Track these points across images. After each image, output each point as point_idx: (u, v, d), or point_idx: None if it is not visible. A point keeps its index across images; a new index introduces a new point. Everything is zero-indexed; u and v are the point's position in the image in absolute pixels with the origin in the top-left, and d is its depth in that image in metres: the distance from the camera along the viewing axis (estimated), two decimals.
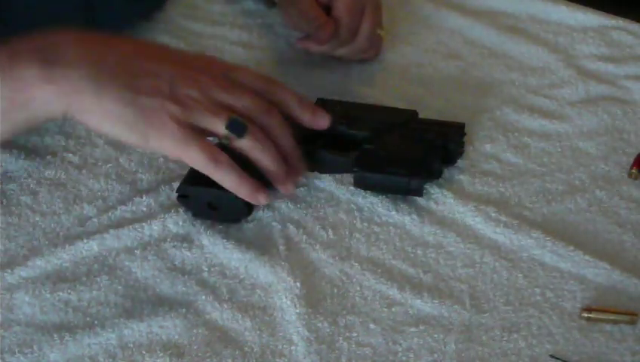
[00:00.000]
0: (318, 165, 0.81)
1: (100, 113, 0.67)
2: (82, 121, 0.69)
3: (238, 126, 0.71)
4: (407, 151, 0.81)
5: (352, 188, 0.81)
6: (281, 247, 0.76)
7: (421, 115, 0.86)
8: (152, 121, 0.68)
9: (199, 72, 0.72)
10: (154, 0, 0.99)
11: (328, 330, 0.70)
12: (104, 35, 0.71)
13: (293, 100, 0.77)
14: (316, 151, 0.81)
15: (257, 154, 0.73)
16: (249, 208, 0.77)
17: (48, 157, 0.83)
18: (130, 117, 0.68)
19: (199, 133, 0.70)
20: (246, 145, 0.72)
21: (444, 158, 0.82)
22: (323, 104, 0.83)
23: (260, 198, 0.74)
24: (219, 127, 0.71)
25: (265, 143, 0.73)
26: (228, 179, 0.72)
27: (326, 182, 0.82)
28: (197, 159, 0.70)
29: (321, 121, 0.78)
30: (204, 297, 0.72)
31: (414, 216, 0.79)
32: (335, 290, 0.73)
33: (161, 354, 0.67)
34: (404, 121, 0.84)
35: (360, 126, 0.82)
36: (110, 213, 0.78)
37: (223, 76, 0.74)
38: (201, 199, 0.76)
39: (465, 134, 0.85)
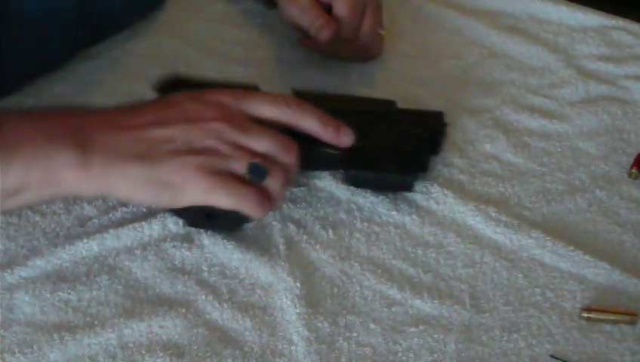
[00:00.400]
0: (304, 161, 0.77)
1: (128, 189, 0.71)
2: (114, 195, 0.75)
3: (258, 171, 0.72)
4: (395, 146, 0.80)
5: (352, 187, 0.81)
6: (281, 247, 0.76)
7: None
8: (175, 180, 0.70)
9: (211, 118, 0.73)
10: (153, 0, 0.99)
11: (328, 330, 0.70)
12: (121, 110, 0.74)
13: (314, 122, 0.76)
14: (302, 146, 0.77)
15: (275, 189, 0.74)
16: (247, 218, 0.76)
17: None
18: (155, 186, 0.71)
19: (225, 176, 0.71)
20: (266, 184, 0.73)
21: (430, 150, 0.82)
22: (299, 95, 0.80)
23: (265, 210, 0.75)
24: (240, 170, 0.72)
25: (284, 181, 0.74)
26: (251, 210, 0.73)
27: (326, 182, 0.82)
28: (226, 202, 0.72)
29: (346, 139, 0.78)
30: (204, 297, 0.72)
31: (414, 216, 0.79)
32: (335, 290, 0.73)
33: (161, 354, 0.67)
34: (384, 112, 0.83)
35: (341, 119, 0.79)
36: (110, 214, 0.78)
37: (236, 112, 0.74)
38: (198, 209, 0.74)
39: (446, 124, 0.84)
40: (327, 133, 0.77)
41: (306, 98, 0.79)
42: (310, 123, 0.76)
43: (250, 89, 0.79)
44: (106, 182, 0.70)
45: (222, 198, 0.72)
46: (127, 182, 0.71)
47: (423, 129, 0.81)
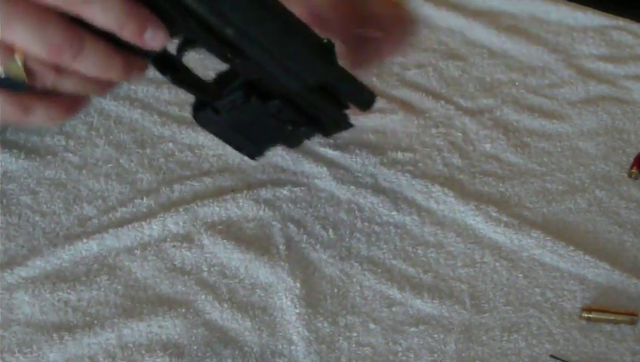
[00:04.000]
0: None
1: None
2: None
3: (9, 82, 0.54)
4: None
5: (352, 187, 0.81)
6: (281, 247, 0.76)
7: (421, 111, 0.85)
8: None
9: None
10: None
11: (328, 330, 0.70)
12: None
13: (107, 13, 0.53)
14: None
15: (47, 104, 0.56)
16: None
17: (48, 157, 0.83)
18: None
19: None
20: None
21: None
22: None
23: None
24: None
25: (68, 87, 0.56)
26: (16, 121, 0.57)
27: (326, 182, 0.82)
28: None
29: (153, 42, 0.55)
30: (204, 297, 0.72)
31: (414, 216, 0.79)
32: (335, 290, 0.73)
33: (161, 354, 0.67)
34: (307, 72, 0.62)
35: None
36: (110, 214, 0.78)
37: None
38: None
39: (351, 125, 0.70)
40: (127, 31, 0.54)
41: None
42: (100, 16, 0.52)
43: None
44: None
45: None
46: None
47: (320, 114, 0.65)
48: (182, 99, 0.90)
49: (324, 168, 0.83)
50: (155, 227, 0.76)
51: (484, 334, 0.71)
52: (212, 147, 0.84)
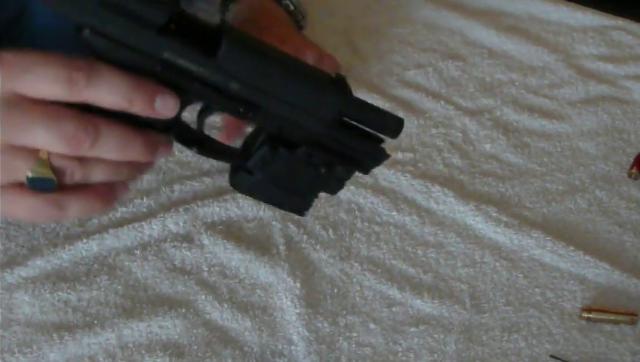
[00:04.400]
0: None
1: None
2: None
3: (41, 183, 0.55)
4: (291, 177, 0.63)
5: (352, 187, 0.81)
6: (281, 247, 0.76)
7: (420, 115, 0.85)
8: None
9: None
10: None
11: (328, 330, 0.70)
12: None
13: (114, 94, 0.53)
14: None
15: (76, 196, 0.57)
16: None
17: None
18: None
19: (8, 190, 0.56)
20: (63, 192, 0.56)
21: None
22: (230, 34, 0.55)
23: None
24: (23, 179, 0.55)
25: (98, 178, 0.57)
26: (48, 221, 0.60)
27: None
28: (22, 218, 0.59)
29: (165, 110, 0.55)
30: (204, 297, 0.72)
31: (414, 216, 0.79)
32: (335, 290, 0.73)
33: (161, 354, 0.67)
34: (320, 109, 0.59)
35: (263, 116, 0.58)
36: (110, 214, 0.78)
37: (10, 98, 0.54)
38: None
39: (387, 156, 0.65)
40: (137, 105, 0.54)
41: (235, 41, 0.55)
42: (108, 97, 0.53)
43: None
44: None
45: (15, 214, 0.57)
46: None
47: (351, 154, 0.63)
48: None
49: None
50: (155, 227, 0.76)
51: (484, 334, 0.71)
52: None
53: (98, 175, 0.56)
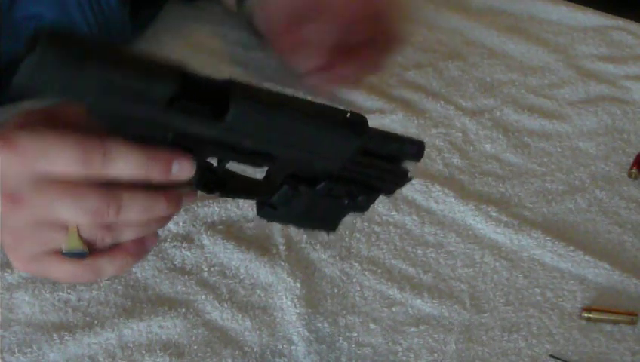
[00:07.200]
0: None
1: None
2: None
3: (74, 255, 0.58)
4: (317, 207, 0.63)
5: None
6: (281, 247, 0.76)
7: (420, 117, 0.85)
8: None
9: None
10: (149, 17, 0.99)
11: (328, 330, 0.70)
12: None
13: (131, 167, 0.55)
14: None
15: (106, 259, 0.60)
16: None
17: None
18: None
19: (43, 259, 0.59)
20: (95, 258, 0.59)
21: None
22: (234, 88, 0.55)
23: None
24: (58, 249, 0.58)
25: (124, 241, 0.59)
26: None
27: None
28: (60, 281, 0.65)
29: (182, 174, 0.56)
30: (204, 297, 0.72)
31: (414, 216, 0.79)
32: (335, 290, 0.73)
33: (161, 354, 0.67)
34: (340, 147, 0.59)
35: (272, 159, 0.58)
36: None
37: (29, 174, 0.55)
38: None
39: (410, 179, 0.65)
40: (154, 175, 0.55)
41: (242, 101, 0.54)
42: (125, 172, 0.55)
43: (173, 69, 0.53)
44: None
45: (55, 279, 0.61)
46: None
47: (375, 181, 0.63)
48: None
49: None
50: None
51: (484, 334, 0.71)
52: None
53: (128, 235, 0.58)
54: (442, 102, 0.92)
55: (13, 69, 0.49)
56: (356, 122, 0.59)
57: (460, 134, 0.88)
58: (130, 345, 0.68)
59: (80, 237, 0.56)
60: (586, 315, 0.72)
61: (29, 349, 0.67)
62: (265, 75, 0.93)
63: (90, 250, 0.57)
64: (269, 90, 0.57)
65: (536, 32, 1.03)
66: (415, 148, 0.62)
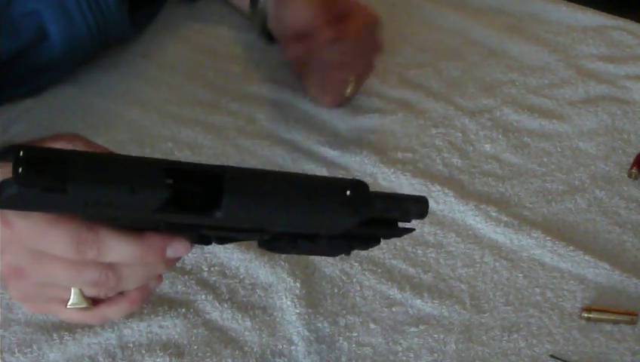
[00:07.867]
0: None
1: None
2: None
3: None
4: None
5: None
6: None
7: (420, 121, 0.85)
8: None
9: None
10: (148, 15, 0.99)
11: (328, 330, 0.70)
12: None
13: (126, 255, 0.56)
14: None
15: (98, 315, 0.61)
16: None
17: None
18: None
19: (49, 305, 0.61)
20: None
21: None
22: (226, 176, 0.53)
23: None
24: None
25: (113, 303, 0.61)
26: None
27: None
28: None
29: (179, 253, 0.57)
30: (204, 297, 0.72)
31: None
32: (335, 290, 0.73)
33: (161, 354, 0.67)
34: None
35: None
36: None
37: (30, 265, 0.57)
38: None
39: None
40: (149, 261, 0.56)
41: (238, 203, 0.53)
42: (119, 258, 0.56)
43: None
44: None
45: (65, 320, 0.63)
46: None
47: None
48: (180, 99, 0.90)
49: (324, 168, 0.83)
50: None
51: (484, 334, 0.71)
52: (212, 147, 0.84)
53: (131, 285, 0.59)
54: (442, 102, 0.92)
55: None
56: (357, 199, 0.57)
57: (460, 134, 0.88)
58: (130, 345, 0.68)
59: (83, 295, 0.58)
60: (586, 315, 0.72)
61: (29, 349, 0.67)
62: (265, 74, 0.93)
63: (94, 301, 0.59)
64: (263, 173, 0.55)
65: (536, 31, 1.03)
66: (418, 208, 0.60)
